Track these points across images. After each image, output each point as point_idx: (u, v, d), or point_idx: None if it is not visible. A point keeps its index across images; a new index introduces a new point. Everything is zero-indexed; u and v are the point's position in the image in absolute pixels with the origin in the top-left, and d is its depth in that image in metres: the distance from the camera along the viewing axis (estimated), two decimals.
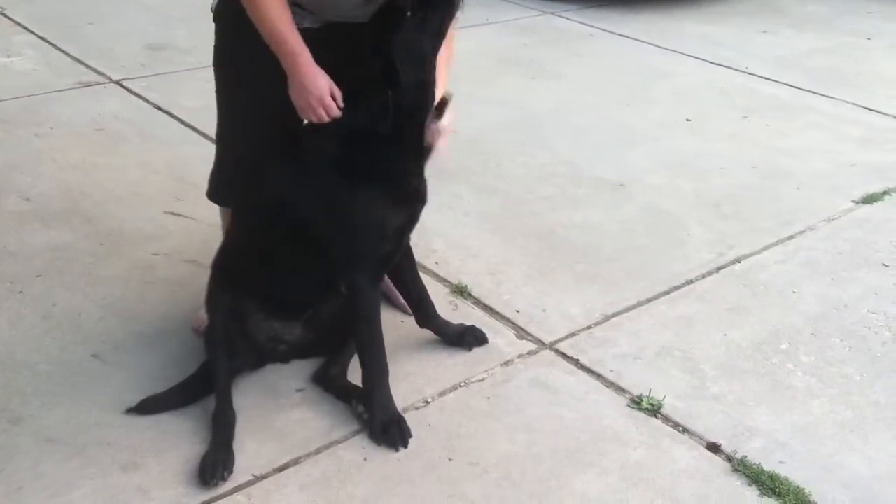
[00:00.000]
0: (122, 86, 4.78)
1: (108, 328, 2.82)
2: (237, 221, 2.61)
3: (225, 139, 2.65)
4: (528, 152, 4.21)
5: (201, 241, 3.25)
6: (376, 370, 2.46)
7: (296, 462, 2.33)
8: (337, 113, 2.30)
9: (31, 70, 4.96)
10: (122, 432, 2.40)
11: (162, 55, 5.26)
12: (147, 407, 2.47)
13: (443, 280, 3.15)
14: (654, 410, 2.57)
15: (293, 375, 2.65)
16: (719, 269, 3.32)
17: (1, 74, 4.87)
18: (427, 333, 2.79)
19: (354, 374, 2.57)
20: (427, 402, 2.57)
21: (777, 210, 3.77)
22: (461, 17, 2.44)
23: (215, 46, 2.55)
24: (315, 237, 2.40)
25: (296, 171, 2.41)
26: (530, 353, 2.81)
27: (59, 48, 5.27)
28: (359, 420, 2.46)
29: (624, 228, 3.58)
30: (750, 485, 2.33)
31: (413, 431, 2.42)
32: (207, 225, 3.28)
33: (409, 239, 2.63)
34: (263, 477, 2.29)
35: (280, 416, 2.49)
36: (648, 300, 3.11)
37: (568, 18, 6.44)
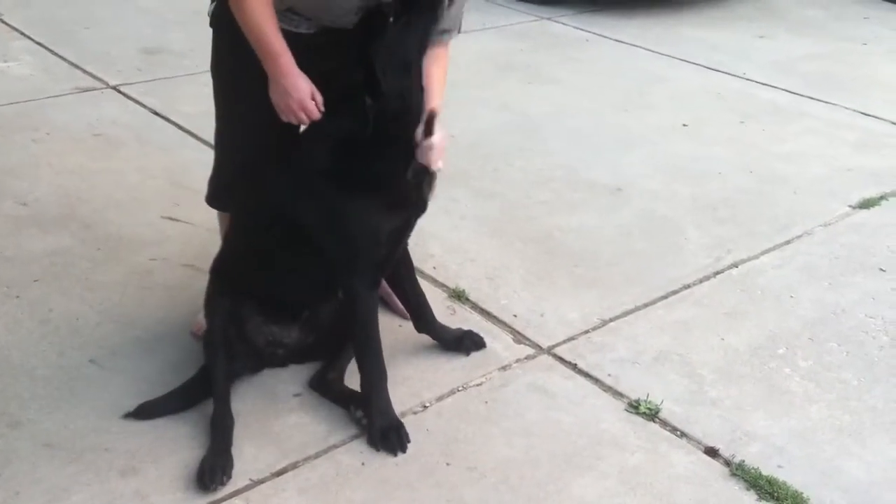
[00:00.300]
0: (119, 91, 4.78)
1: (106, 333, 2.82)
2: (235, 225, 2.61)
3: (223, 144, 2.65)
4: (526, 157, 4.22)
5: (199, 245, 3.25)
6: (375, 375, 2.46)
7: (294, 466, 2.33)
8: (316, 116, 2.31)
9: (27, 75, 4.95)
10: (120, 437, 2.40)
11: (159, 59, 5.26)
12: (145, 412, 2.47)
13: (440, 285, 3.15)
14: (652, 415, 2.57)
15: (291, 380, 2.64)
16: (716, 273, 3.32)
17: None
18: (425, 338, 2.79)
19: (352, 379, 2.56)
20: (425, 407, 2.57)
21: (774, 215, 3.78)
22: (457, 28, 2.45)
23: (212, 52, 2.55)
24: (312, 241, 2.40)
25: (290, 177, 2.41)
26: (528, 357, 2.81)
27: (55, 53, 5.27)
28: (357, 425, 2.46)
29: (621, 233, 3.59)
30: (748, 489, 2.33)
31: (411, 436, 2.42)
32: (205, 230, 3.28)
33: (406, 244, 2.63)
34: (262, 481, 2.28)
35: (278, 421, 2.49)
36: (646, 305, 3.11)
37: (564, 24, 6.45)
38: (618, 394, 2.67)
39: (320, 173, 2.36)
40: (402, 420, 2.46)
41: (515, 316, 3.01)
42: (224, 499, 2.23)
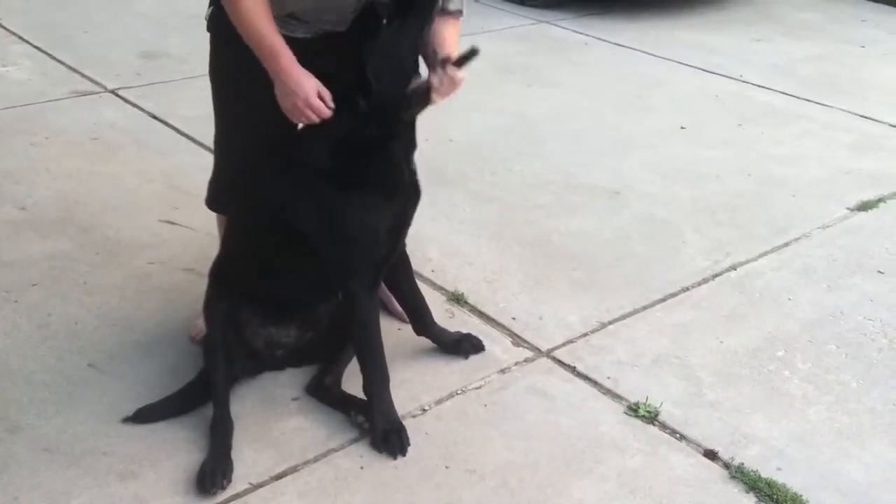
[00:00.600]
0: (117, 95, 4.78)
1: (105, 337, 2.82)
2: (233, 226, 2.62)
3: (223, 147, 2.65)
4: (524, 160, 4.22)
5: (197, 249, 3.25)
6: (377, 378, 2.46)
7: (293, 470, 2.33)
8: (327, 114, 2.27)
9: (26, 79, 4.96)
10: (119, 441, 2.39)
11: (157, 63, 5.26)
12: (144, 416, 2.47)
13: (439, 288, 3.15)
14: (651, 417, 2.57)
15: (290, 384, 2.64)
16: (715, 276, 3.33)
17: None
18: (424, 341, 2.80)
19: (351, 383, 2.56)
20: (424, 410, 2.57)
21: (772, 217, 3.78)
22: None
23: (210, 55, 2.55)
24: (309, 241, 2.40)
25: (288, 178, 2.41)
26: (527, 360, 2.81)
27: (54, 57, 5.27)
28: (357, 429, 2.46)
29: (620, 236, 3.59)
30: (747, 492, 2.33)
31: (410, 439, 2.41)
32: (203, 234, 3.28)
33: (404, 245, 2.63)
34: (261, 485, 2.28)
35: (277, 425, 2.49)
36: (644, 307, 3.11)
37: (563, 27, 6.46)
38: (617, 396, 2.67)
39: (317, 174, 2.36)
40: (403, 423, 2.46)
41: (514, 319, 3.01)
42: (223, 503, 2.22)
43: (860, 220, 3.80)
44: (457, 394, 2.64)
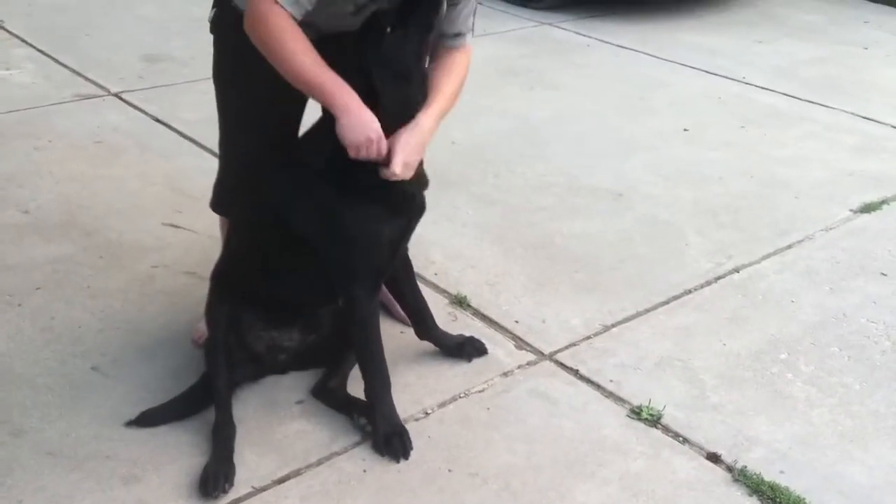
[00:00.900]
0: (120, 98, 4.78)
1: (108, 341, 2.82)
2: (235, 230, 2.62)
3: (227, 149, 2.65)
4: (527, 162, 4.22)
5: (200, 252, 3.26)
6: (378, 381, 2.46)
7: (296, 474, 2.33)
8: (385, 151, 2.24)
9: (29, 83, 4.96)
10: (121, 445, 2.40)
11: (160, 67, 5.27)
12: (147, 419, 2.47)
13: (442, 291, 3.15)
14: (654, 420, 2.57)
15: (292, 387, 2.64)
16: (718, 278, 3.33)
17: None
18: (426, 345, 2.80)
19: (354, 386, 2.57)
20: (427, 414, 2.57)
21: (775, 219, 3.78)
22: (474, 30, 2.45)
23: (214, 58, 2.56)
24: (311, 245, 2.40)
25: (289, 182, 2.41)
26: (530, 363, 2.81)
27: (57, 61, 5.28)
28: (360, 432, 2.46)
29: (622, 238, 3.59)
30: (750, 495, 2.33)
31: (413, 443, 2.41)
32: (206, 237, 3.28)
33: (406, 249, 2.63)
34: (264, 489, 2.28)
35: (280, 428, 2.49)
36: (647, 310, 3.11)
37: (565, 29, 6.46)
38: (619, 400, 2.66)
39: (319, 177, 2.36)
40: (405, 426, 2.46)
41: (517, 322, 3.01)
42: None
43: (863, 222, 3.80)
44: (459, 397, 2.64)
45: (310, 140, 2.45)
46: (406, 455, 2.39)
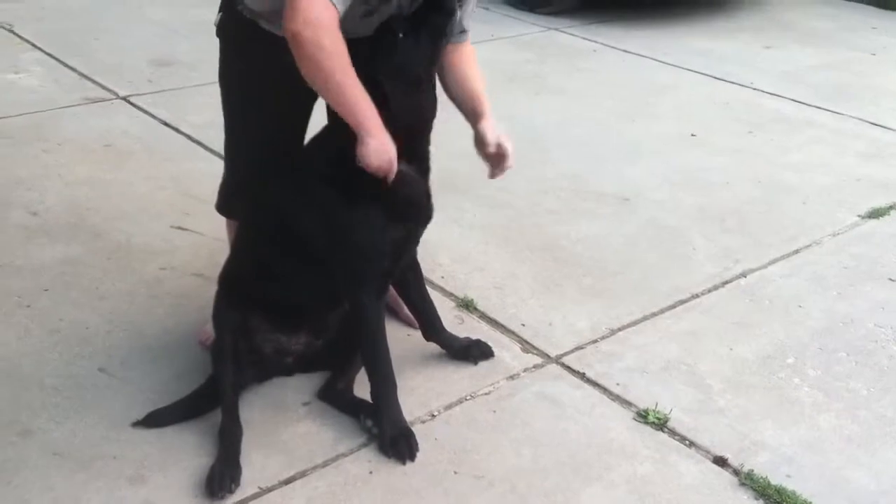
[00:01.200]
0: (129, 102, 4.81)
1: (116, 342, 2.83)
2: (242, 233, 2.62)
3: (232, 152, 2.67)
4: (533, 166, 4.22)
5: (208, 255, 3.27)
6: (384, 384, 2.46)
7: (302, 475, 2.34)
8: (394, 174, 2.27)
9: (38, 86, 4.99)
10: (129, 446, 2.40)
11: (168, 71, 5.29)
12: (154, 420, 2.48)
13: (449, 294, 3.15)
14: (661, 424, 2.57)
15: (299, 389, 2.65)
16: (725, 283, 3.32)
17: (8, 91, 4.90)
18: (433, 347, 2.80)
19: (362, 388, 2.57)
20: (433, 416, 2.57)
21: (782, 225, 3.78)
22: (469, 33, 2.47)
23: (220, 61, 2.56)
24: (317, 250, 2.41)
25: (295, 186, 2.42)
26: (536, 366, 2.81)
27: (66, 64, 5.31)
28: (366, 434, 2.47)
29: (629, 242, 3.59)
30: (757, 499, 2.33)
31: (419, 445, 2.42)
32: (214, 239, 3.29)
33: (415, 252, 2.64)
34: (270, 489, 2.29)
35: (286, 430, 2.50)
36: (654, 314, 3.11)
37: (571, 34, 6.47)
38: (626, 403, 2.66)
39: (325, 182, 2.37)
40: (411, 428, 2.46)
41: (523, 325, 3.01)
42: None
43: (871, 228, 3.79)
44: (466, 400, 2.64)
45: (316, 145, 2.45)
46: (412, 457, 2.39)
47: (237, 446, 2.38)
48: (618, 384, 2.74)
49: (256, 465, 2.35)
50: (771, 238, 3.66)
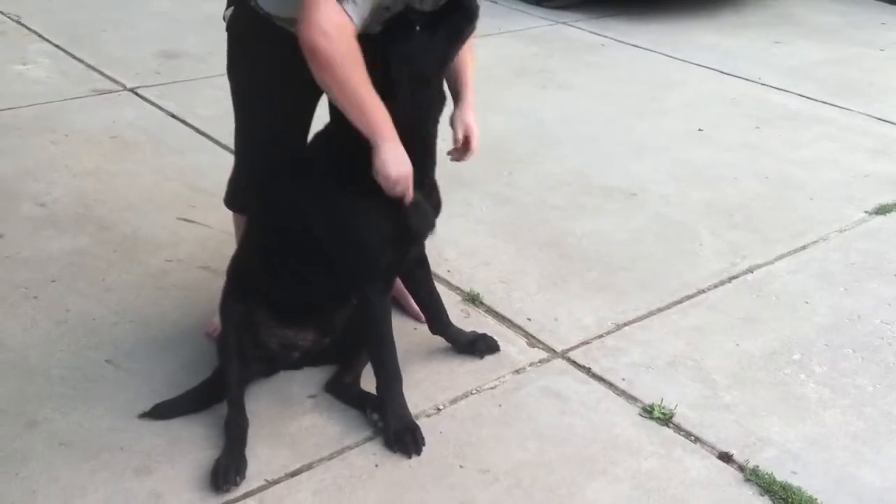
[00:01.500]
0: (136, 93, 4.81)
1: (122, 334, 2.84)
2: (249, 228, 2.63)
3: (242, 146, 2.67)
4: (540, 161, 4.22)
5: (214, 247, 3.27)
6: (389, 378, 2.47)
7: (308, 468, 2.34)
8: (411, 194, 2.28)
9: (45, 78, 4.99)
10: (135, 437, 2.41)
11: (175, 63, 5.29)
12: (160, 412, 2.48)
13: (455, 288, 3.15)
14: (666, 419, 2.57)
15: (305, 382, 2.65)
16: (731, 278, 3.32)
17: (16, 82, 4.91)
18: (439, 341, 2.80)
19: (368, 382, 2.57)
20: (439, 410, 2.58)
21: (789, 220, 3.77)
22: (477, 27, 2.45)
23: (228, 55, 2.56)
24: (323, 245, 2.41)
25: (302, 181, 2.42)
26: (542, 361, 2.81)
27: (73, 56, 5.31)
28: (372, 427, 2.47)
29: (635, 238, 3.58)
30: (762, 495, 2.33)
31: (425, 438, 2.42)
32: (221, 232, 3.30)
33: (423, 246, 2.64)
34: (276, 482, 2.29)
35: (292, 423, 2.50)
36: (660, 309, 3.10)
37: (579, 28, 6.45)
38: (631, 398, 2.66)
39: (330, 178, 2.37)
40: (417, 422, 2.46)
41: (529, 320, 3.01)
42: (238, 499, 2.24)
43: (878, 224, 3.78)
44: (471, 394, 2.65)
45: (321, 141, 2.45)
46: (418, 451, 2.39)
47: (243, 439, 2.38)
48: (623, 379, 2.74)
49: (262, 458, 2.36)
50: (778, 234, 3.65)
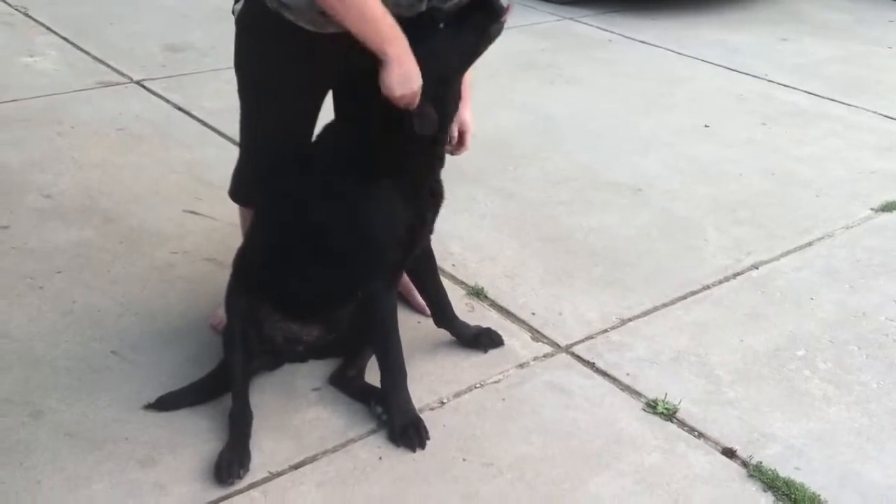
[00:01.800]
0: (142, 86, 4.82)
1: (128, 325, 2.84)
2: (255, 221, 2.63)
3: (248, 139, 2.66)
4: (546, 156, 4.22)
5: (220, 240, 3.28)
6: (394, 373, 2.47)
7: (312, 460, 2.35)
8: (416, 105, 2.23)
9: (52, 70, 5.00)
10: (140, 428, 2.42)
11: (182, 55, 5.30)
12: (165, 403, 2.49)
13: (460, 282, 3.16)
14: (670, 415, 2.57)
15: (310, 374, 2.66)
16: (736, 275, 3.31)
17: (23, 74, 4.92)
18: (443, 334, 2.80)
19: (373, 375, 2.58)
20: (442, 403, 2.58)
21: (795, 217, 3.76)
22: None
23: (236, 48, 2.56)
24: (329, 239, 2.41)
25: (308, 175, 2.42)
26: (546, 355, 2.82)
27: (80, 48, 5.32)
28: (376, 420, 2.47)
29: (640, 233, 3.58)
30: (765, 491, 2.33)
31: (429, 432, 2.42)
32: (226, 224, 3.30)
33: (429, 240, 2.64)
34: (279, 474, 2.30)
35: (297, 415, 2.51)
36: (665, 305, 3.10)
37: (587, 24, 6.45)
38: (635, 393, 2.66)
39: (336, 172, 2.37)
40: (420, 416, 2.47)
41: (534, 314, 3.01)
42: (241, 491, 2.24)
43: (884, 221, 3.77)
44: (475, 388, 2.65)
45: (329, 135, 2.45)
46: (422, 445, 2.39)
47: (247, 431, 2.39)
48: (627, 374, 2.74)
49: (266, 450, 2.37)
50: (783, 230, 3.64)
